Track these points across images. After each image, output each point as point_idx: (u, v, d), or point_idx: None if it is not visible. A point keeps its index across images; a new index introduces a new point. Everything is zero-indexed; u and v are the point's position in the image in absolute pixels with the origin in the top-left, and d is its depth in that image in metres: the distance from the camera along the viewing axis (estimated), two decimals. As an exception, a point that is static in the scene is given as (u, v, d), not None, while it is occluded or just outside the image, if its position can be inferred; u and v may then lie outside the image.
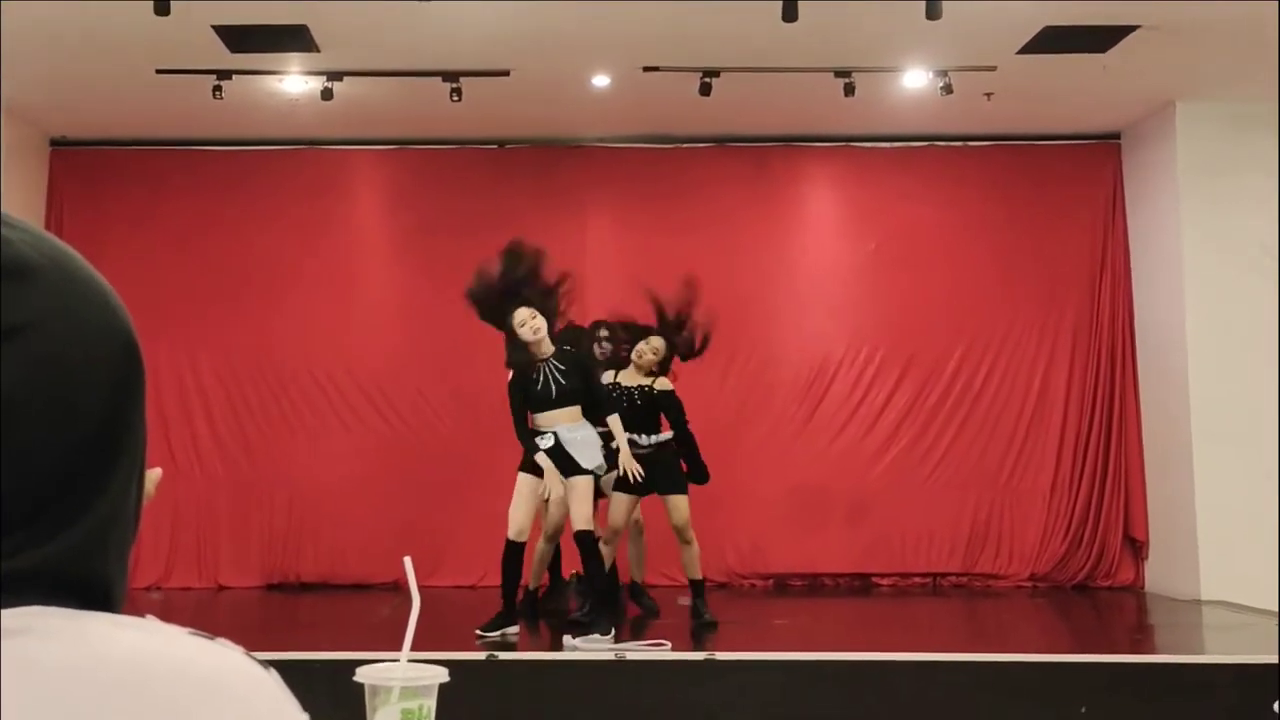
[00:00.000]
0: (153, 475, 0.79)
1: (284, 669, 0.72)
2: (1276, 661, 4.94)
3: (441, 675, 1.51)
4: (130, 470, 0.73)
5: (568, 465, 5.94)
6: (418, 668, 1.50)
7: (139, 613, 0.70)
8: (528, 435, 6.01)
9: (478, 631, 5.84)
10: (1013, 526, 8.74)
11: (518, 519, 5.96)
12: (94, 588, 0.70)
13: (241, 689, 0.66)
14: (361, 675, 1.50)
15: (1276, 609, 6.87)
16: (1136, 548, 8.73)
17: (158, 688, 0.63)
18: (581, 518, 5.91)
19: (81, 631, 0.65)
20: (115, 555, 0.72)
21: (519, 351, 5.92)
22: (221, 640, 0.69)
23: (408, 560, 1.65)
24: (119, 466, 0.72)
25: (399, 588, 7.37)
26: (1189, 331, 8.12)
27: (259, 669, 0.68)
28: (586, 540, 5.91)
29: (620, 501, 6.50)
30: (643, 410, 6.45)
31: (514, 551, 5.94)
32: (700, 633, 6.35)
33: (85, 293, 0.71)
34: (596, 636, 5.70)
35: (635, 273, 8.96)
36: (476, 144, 9.02)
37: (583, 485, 5.95)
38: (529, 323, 5.86)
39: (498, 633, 5.85)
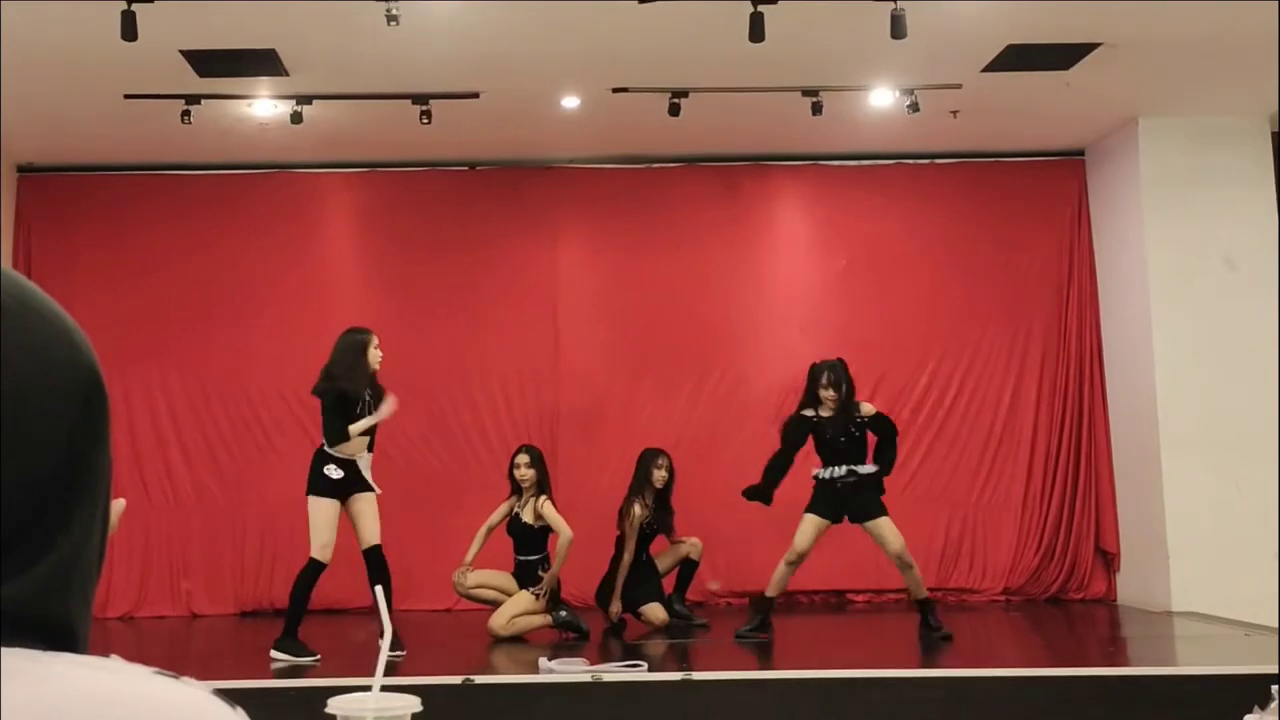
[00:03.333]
0: (116, 507, 0.78)
1: (257, 697, 0.72)
2: (1248, 672, 4.98)
3: (414, 705, 1.50)
4: (95, 506, 0.72)
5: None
6: (390, 697, 1.49)
7: (108, 647, 0.70)
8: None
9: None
10: (985, 541, 8.77)
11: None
12: (58, 627, 0.69)
13: (209, 728, 0.66)
14: (333, 706, 1.49)
15: (1248, 619, 6.92)
16: (1108, 560, 8.77)
17: (125, 728, 0.63)
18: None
19: (46, 673, 0.65)
20: (79, 593, 0.71)
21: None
22: (187, 679, 0.69)
23: (379, 590, 1.65)
24: (83, 503, 0.71)
25: (372, 612, 7.32)
26: (1156, 344, 8.18)
27: (226, 708, 0.68)
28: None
29: (810, 524, 6.64)
30: (858, 442, 6.70)
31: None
32: (932, 646, 6.51)
33: (49, 329, 0.71)
34: (570, 658, 5.68)
35: (607, 293, 9.00)
36: (447, 166, 9.01)
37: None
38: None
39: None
